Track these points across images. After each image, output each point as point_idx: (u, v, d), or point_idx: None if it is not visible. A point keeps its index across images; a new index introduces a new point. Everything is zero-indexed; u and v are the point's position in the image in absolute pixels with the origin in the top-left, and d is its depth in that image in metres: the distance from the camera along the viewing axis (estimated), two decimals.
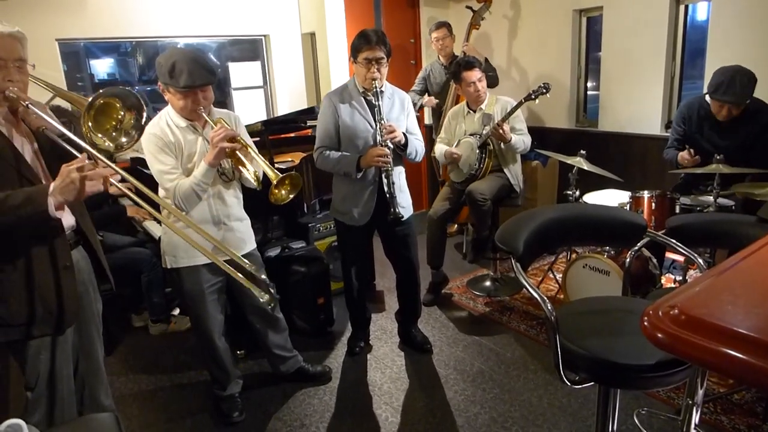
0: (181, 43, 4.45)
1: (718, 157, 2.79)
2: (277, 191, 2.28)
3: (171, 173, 2.23)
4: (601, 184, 3.68)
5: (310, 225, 3.61)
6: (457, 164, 3.62)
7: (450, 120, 3.78)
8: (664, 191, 3.08)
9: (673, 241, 1.82)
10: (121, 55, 4.92)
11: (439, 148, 3.69)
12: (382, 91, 2.61)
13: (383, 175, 2.67)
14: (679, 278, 3.42)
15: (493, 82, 4.35)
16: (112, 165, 1.67)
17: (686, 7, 3.93)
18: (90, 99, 1.71)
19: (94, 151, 1.64)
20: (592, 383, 1.51)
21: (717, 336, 0.80)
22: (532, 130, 3.71)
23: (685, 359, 1.16)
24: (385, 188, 2.67)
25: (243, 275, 1.81)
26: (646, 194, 3.06)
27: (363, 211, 2.76)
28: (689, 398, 1.41)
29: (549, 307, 1.46)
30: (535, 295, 1.48)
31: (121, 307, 3.57)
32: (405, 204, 2.80)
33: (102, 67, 4.82)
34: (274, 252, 3.32)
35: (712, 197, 2.82)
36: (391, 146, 2.65)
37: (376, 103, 2.60)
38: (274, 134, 3.61)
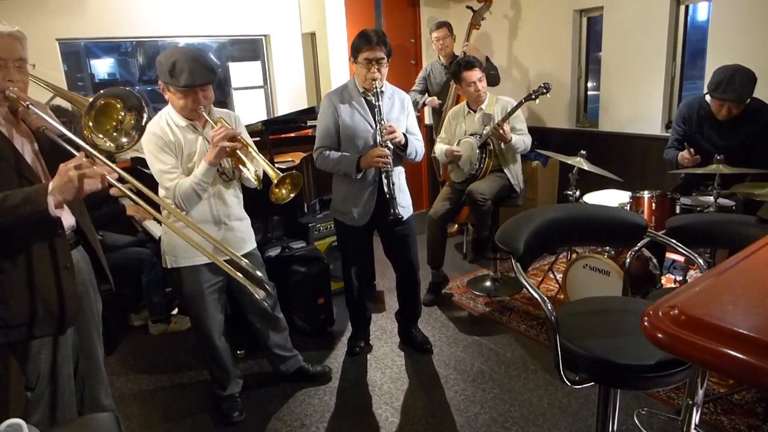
0: (182, 43, 4.45)
1: (718, 157, 2.79)
2: (277, 190, 2.28)
3: (171, 173, 2.23)
4: (601, 184, 3.68)
5: (310, 225, 3.61)
6: (457, 164, 3.62)
7: (450, 120, 3.78)
8: (665, 191, 3.07)
9: (674, 241, 1.82)
10: (121, 55, 4.92)
11: (440, 148, 3.69)
12: (382, 92, 2.60)
13: (383, 176, 2.67)
14: (679, 278, 3.42)
15: (494, 80, 4.35)
16: (110, 163, 1.66)
17: (686, 7, 3.93)
18: (91, 100, 1.71)
19: (92, 150, 1.64)
20: (592, 383, 1.51)
21: (717, 336, 0.80)
22: (532, 130, 3.71)
23: (685, 359, 1.17)
24: (385, 189, 2.67)
25: (242, 274, 1.81)
26: (646, 194, 3.06)
27: (363, 212, 2.76)
28: (689, 398, 1.41)
29: (549, 307, 1.46)
30: (536, 295, 1.48)
31: (121, 306, 3.57)
32: (405, 204, 2.80)
33: (102, 67, 4.82)
34: (274, 252, 3.32)
35: (712, 197, 2.82)
36: (391, 147, 2.65)
37: (377, 103, 2.60)
38: (275, 134, 3.61)
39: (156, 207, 1.91)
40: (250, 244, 2.52)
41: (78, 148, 1.66)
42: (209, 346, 2.49)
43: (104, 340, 2.11)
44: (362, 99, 2.69)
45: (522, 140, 3.48)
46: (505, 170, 3.57)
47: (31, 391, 1.81)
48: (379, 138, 2.63)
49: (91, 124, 1.71)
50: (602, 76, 4.45)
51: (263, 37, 4.86)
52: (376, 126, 2.64)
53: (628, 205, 3.13)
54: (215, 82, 2.26)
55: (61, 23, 3.79)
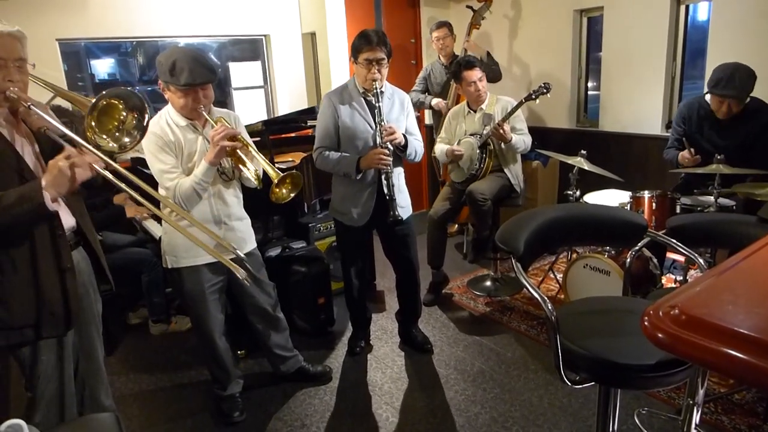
0: (182, 43, 4.45)
1: (718, 157, 2.79)
2: (278, 190, 2.28)
3: (171, 172, 2.23)
4: (601, 184, 3.68)
5: (310, 225, 3.61)
6: (457, 164, 3.62)
7: (450, 120, 3.78)
8: (665, 191, 3.07)
9: (674, 241, 1.82)
10: (121, 55, 4.92)
11: (440, 148, 3.69)
12: (382, 92, 2.60)
13: (383, 177, 2.67)
14: (679, 278, 3.42)
15: (495, 75, 4.35)
16: (96, 152, 1.66)
17: (687, 7, 3.93)
18: (93, 101, 1.71)
19: (80, 140, 1.64)
20: (593, 383, 1.51)
21: (717, 336, 0.80)
22: (532, 130, 3.71)
23: (686, 359, 1.17)
24: (385, 190, 2.67)
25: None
26: (646, 194, 3.05)
27: (362, 212, 2.76)
28: (690, 398, 1.41)
29: (549, 307, 1.46)
30: (536, 295, 1.48)
31: (121, 306, 3.58)
32: (404, 204, 2.80)
33: (102, 67, 4.81)
34: (274, 252, 3.32)
35: (712, 197, 2.82)
36: (391, 148, 2.65)
37: (377, 104, 2.60)
38: (275, 134, 3.61)
39: (156, 204, 1.91)
40: (251, 243, 2.53)
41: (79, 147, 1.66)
42: (210, 346, 2.49)
43: (104, 340, 2.11)
44: (362, 99, 2.69)
45: (522, 140, 3.48)
46: (506, 170, 3.57)
47: (32, 391, 1.81)
48: (378, 139, 2.63)
49: (93, 124, 1.70)
50: (602, 76, 4.45)
51: (263, 37, 4.85)
52: (376, 127, 2.64)
53: (629, 205, 3.13)
54: (215, 82, 2.27)
55: (61, 23, 3.79)
